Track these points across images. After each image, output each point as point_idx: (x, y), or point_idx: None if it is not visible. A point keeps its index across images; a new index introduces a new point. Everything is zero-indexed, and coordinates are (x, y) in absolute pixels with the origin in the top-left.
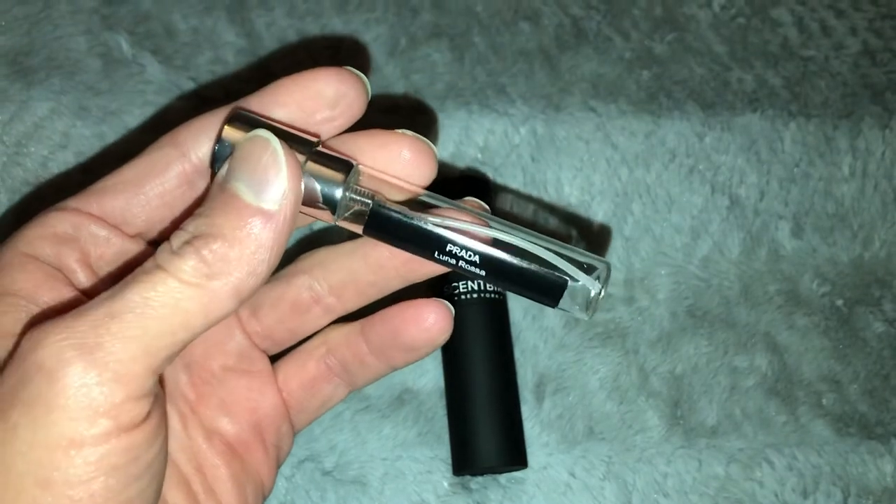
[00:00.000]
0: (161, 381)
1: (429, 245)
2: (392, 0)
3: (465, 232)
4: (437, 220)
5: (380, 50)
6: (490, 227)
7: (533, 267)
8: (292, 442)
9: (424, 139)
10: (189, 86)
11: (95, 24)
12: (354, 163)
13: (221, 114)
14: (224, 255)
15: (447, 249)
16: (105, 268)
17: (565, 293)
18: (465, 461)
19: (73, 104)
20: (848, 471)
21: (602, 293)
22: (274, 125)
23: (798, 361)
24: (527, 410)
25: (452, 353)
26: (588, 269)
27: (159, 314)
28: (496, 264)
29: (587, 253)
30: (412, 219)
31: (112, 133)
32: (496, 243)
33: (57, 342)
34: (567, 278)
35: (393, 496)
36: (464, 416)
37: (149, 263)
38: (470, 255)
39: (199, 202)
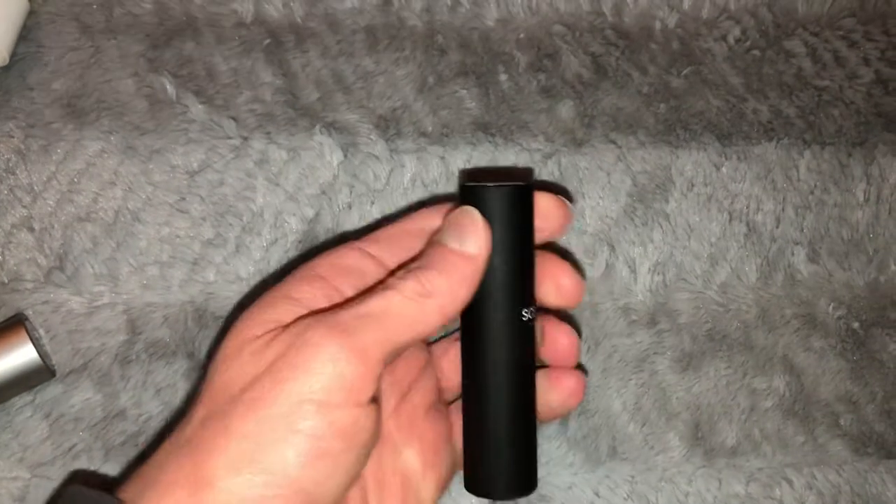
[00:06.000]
0: (378, 400)
1: None
2: (420, 40)
3: None
4: None
5: (409, 87)
6: None
7: None
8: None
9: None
10: (230, 124)
11: (142, 67)
12: None
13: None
14: (434, 281)
15: None
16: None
17: None
18: (477, 487)
19: (121, 143)
20: (867, 489)
21: None
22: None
23: (815, 383)
24: (553, 430)
25: (476, 365)
26: None
27: (390, 317)
28: None
29: None
30: None
31: (158, 170)
32: None
33: (323, 324)
34: None
35: None
36: (480, 438)
37: (380, 286)
38: None
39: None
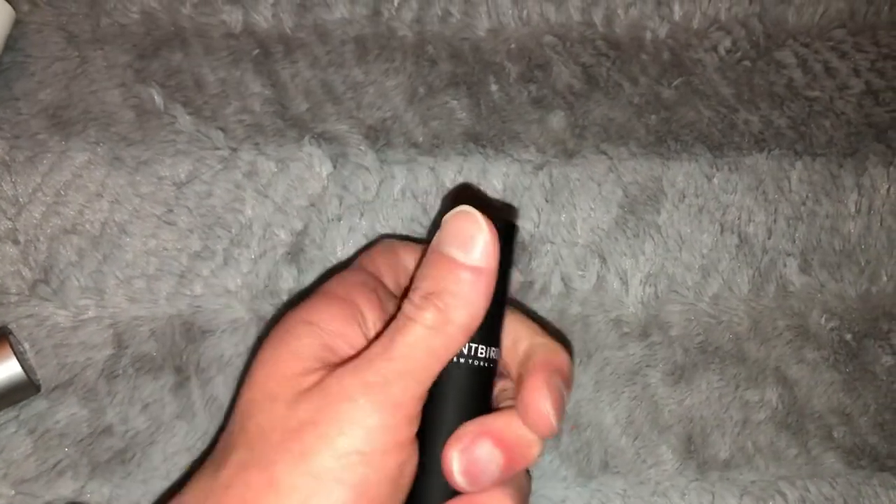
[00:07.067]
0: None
1: None
2: (410, 51)
3: None
4: None
5: (399, 97)
6: None
7: None
8: None
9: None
10: (218, 135)
11: (129, 77)
12: None
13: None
14: (451, 304)
15: None
16: (385, 310)
17: None
18: None
19: (107, 154)
20: (861, 502)
21: None
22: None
23: (808, 395)
24: (546, 444)
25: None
26: None
27: (417, 354)
28: None
29: None
30: None
31: (145, 182)
32: None
33: (357, 378)
34: None
35: None
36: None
37: (401, 318)
38: None
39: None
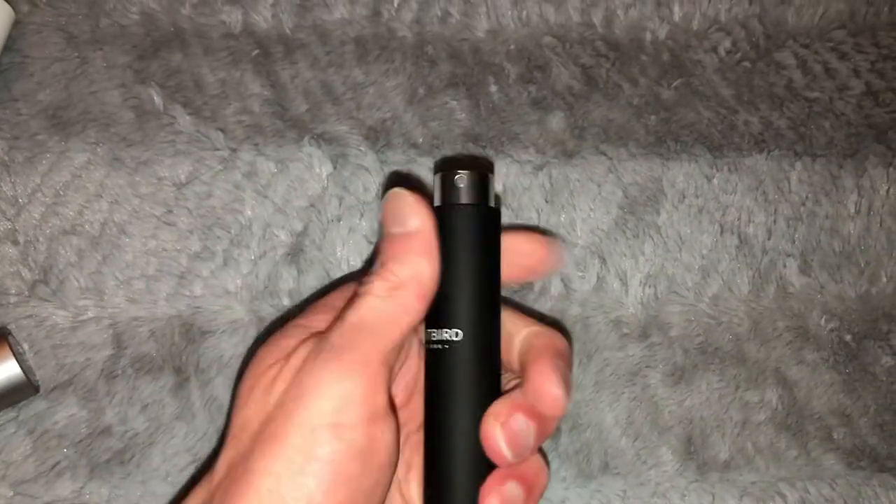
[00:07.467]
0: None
1: None
2: (410, 51)
3: None
4: None
5: (399, 98)
6: None
7: None
8: None
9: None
10: (217, 136)
11: (129, 78)
12: None
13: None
14: (397, 271)
15: None
16: None
17: None
18: None
19: (107, 155)
20: (860, 503)
21: None
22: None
23: (808, 396)
24: (545, 445)
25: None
26: None
27: (374, 321)
28: None
29: None
30: None
31: (144, 182)
32: None
33: (318, 350)
34: None
35: None
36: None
37: (356, 294)
38: None
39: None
